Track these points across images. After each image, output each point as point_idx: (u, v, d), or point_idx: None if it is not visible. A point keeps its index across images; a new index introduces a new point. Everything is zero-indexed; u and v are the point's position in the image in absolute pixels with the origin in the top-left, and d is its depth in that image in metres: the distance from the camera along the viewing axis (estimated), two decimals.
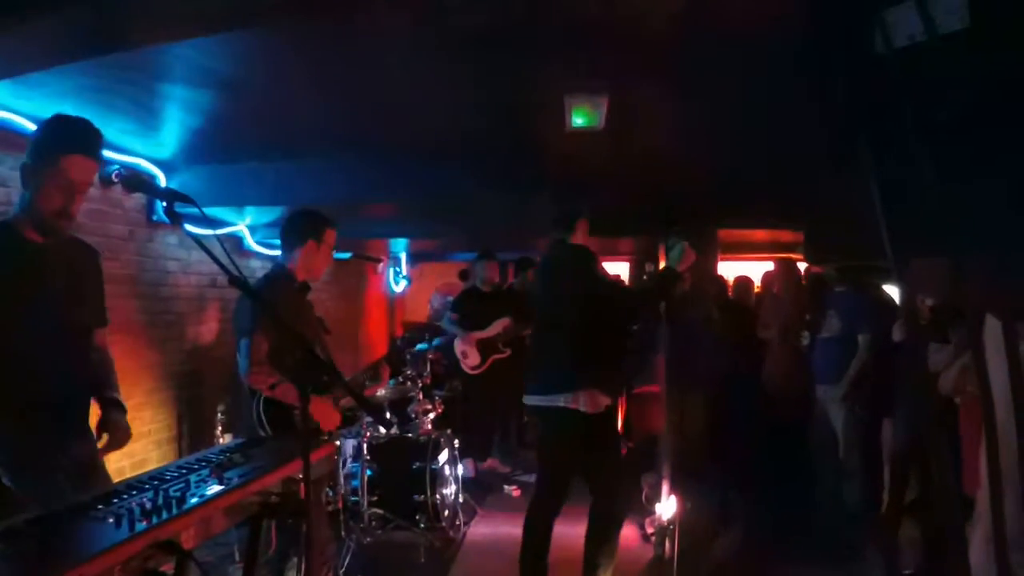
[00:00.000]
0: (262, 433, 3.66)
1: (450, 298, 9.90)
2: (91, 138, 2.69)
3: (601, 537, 4.28)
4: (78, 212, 2.74)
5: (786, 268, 7.20)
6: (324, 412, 3.68)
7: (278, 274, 3.94)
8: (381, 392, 5.66)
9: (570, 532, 4.48)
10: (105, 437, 2.84)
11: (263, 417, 3.66)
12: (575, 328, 4.22)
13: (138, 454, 5.37)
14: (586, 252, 4.44)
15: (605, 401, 4.20)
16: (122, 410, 2.96)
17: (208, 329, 6.65)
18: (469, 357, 7.55)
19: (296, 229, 3.99)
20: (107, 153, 4.83)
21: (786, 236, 8.77)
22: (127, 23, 2.74)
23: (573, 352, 4.23)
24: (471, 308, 7.70)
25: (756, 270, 9.80)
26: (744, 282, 8.96)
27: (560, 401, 4.20)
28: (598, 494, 4.34)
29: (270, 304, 3.48)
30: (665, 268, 4.43)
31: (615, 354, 4.47)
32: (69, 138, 2.64)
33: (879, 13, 0.99)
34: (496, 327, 7.54)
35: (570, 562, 4.44)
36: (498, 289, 8.00)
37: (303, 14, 2.94)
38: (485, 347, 7.55)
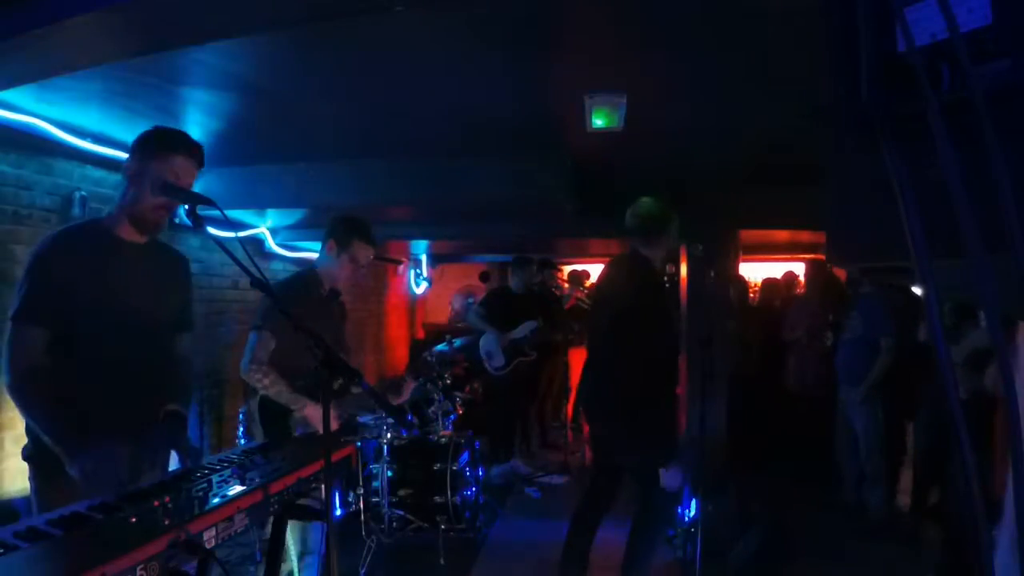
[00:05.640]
0: (257, 431, 3.66)
1: (471, 300, 9.90)
2: (195, 144, 2.81)
3: (642, 543, 4.25)
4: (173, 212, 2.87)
5: (815, 269, 7.17)
6: (319, 418, 3.62)
7: (302, 276, 3.93)
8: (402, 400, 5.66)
9: (608, 536, 4.49)
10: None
11: (257, 415, 3.66)
12: (616, 346, 4.15)
13: None
14: (637, 266, 4.23)
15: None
16: (183, 423, 2.86)
17: (229, 331, 6.70)
18: (494, 357, 7.53)
19: (327, 231, 3.94)
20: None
21: (808, 237, 8.73)
22: (158, 26, 2.78)
23: (613, 371, 4.15)
24: (500, 308, 7.69)
25: (779, 271, 9.79)
26: (770, 283, 8.97)
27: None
28: (643, 500, 4.30)
29: (286, 304, 3.50)
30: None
31: (656, 374, 4.13)
32: (178, 141, 2.76)
33: (900, 11, 0.98)
34: (522, 329, 7.53)
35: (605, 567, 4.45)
36: (529, 291, 7.96)
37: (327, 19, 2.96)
38: (512, 348, 7.53)
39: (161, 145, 2.74)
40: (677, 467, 4.09)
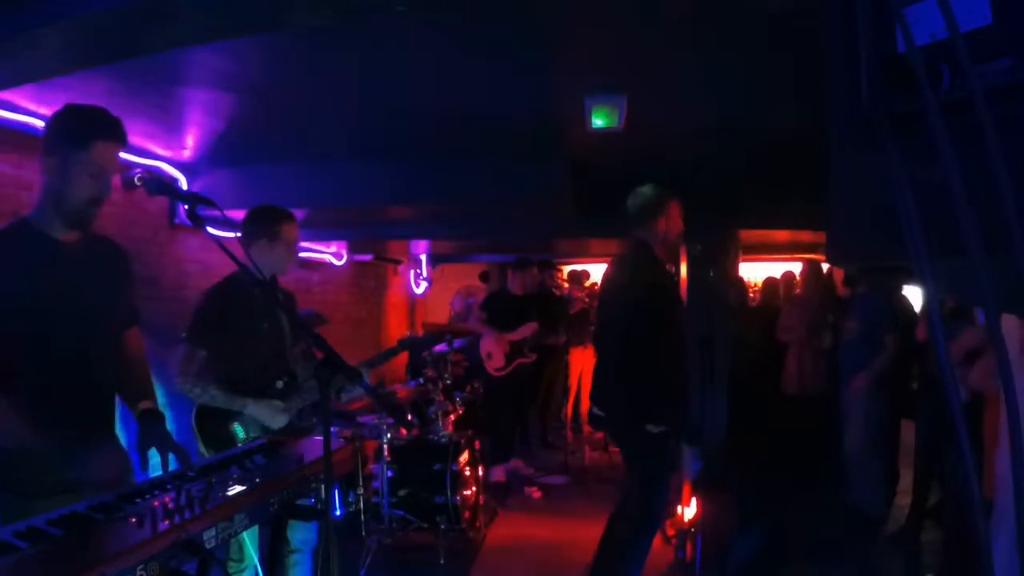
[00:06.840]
0: (198, 443, 3.53)
1: (471, 300, 9.90)
2: (115, 123, 2.57)
3: (616, 545, 4.20)
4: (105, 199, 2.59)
5: (811, 270, 7.17)
6: (265, 414, 3.54)
7: (232, 280, 3.68)
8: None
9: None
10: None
11: (195, 425, 3.53)
12: (622, 341, 4.12)
13: None
14: (640, 256, 4.21)
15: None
16: (161, 420, 2.74)
17: None
18: (494, 358, 7.53)
19: (247, 233, 3.72)
20: (129, 156, 4.88)
21: (808, 237, 8.73)
22: (151, 28, 2.77)
23: (621, 367, 4.13)
24: (500, 310, 7.69)
25: (778, 271, 9.79)
26: (770, 283, 8.96)
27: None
28: (640, 499, 4.20)
29: (226, 312, 3.51)
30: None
31: (662, 370, 4.06)
32: (94, 124, 2.52)
33: (900, 10, 0.98)
34: (523, 331, 7.53)
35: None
36: (529, 292, 7.96)
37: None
38: (512, 349, 7.54)
39: (77, 133, 2.49)
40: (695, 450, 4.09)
